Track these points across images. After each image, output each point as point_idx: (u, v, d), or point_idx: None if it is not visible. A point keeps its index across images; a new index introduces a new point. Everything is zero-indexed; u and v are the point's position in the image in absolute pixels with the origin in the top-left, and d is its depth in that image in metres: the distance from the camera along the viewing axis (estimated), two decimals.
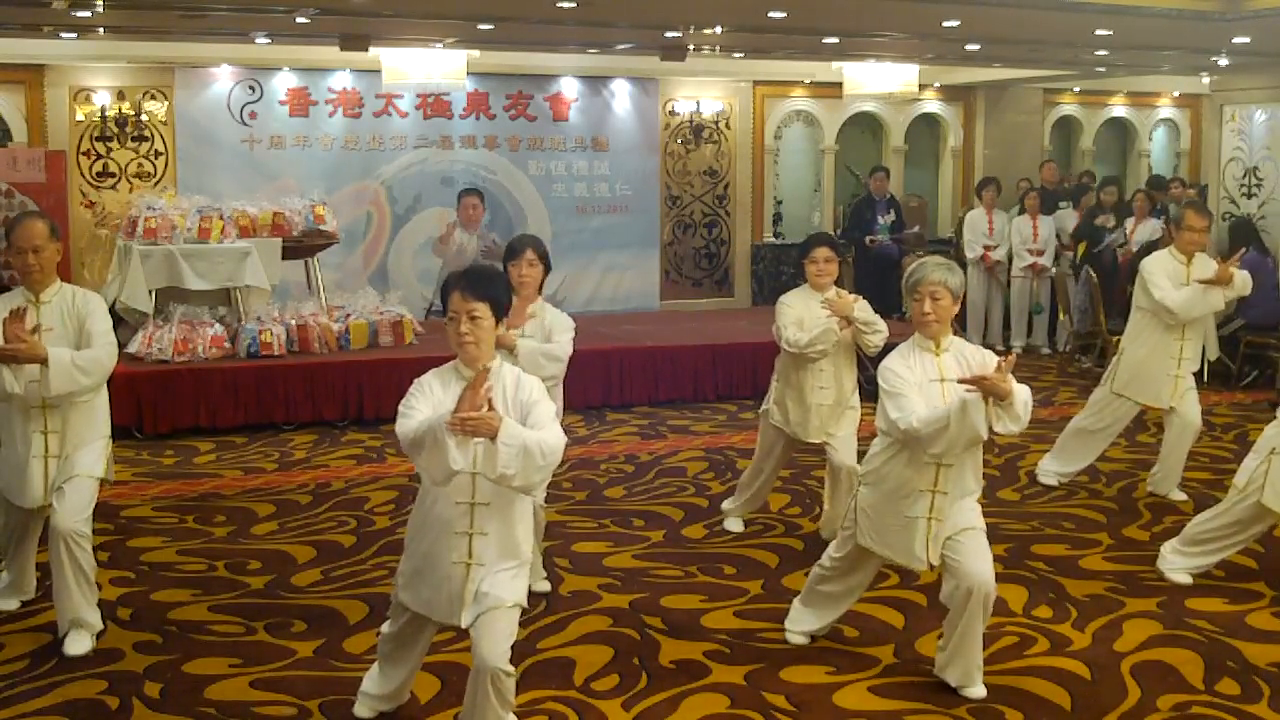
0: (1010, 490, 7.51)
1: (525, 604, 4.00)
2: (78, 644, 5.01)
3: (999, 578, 5.84)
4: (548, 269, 5.65)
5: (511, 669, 3.86)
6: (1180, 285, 6.95)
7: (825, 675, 4.82)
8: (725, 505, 6.89)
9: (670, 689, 4.70)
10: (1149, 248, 12.05)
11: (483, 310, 3.87)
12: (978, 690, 4.62)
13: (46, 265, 5.09)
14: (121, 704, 4.58)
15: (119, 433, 8.71)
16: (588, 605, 5.58)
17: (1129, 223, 12.80)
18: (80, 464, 5.12)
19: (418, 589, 4.06)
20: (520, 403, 3.90)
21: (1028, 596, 5.68)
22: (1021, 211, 12.85)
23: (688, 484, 7.70)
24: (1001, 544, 6.41)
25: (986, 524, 6.64)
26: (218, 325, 9.41)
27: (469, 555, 3.92)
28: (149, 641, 5.17)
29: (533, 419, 3.86)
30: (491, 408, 3.70)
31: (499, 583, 3.91)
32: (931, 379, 4.56)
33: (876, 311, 6.26)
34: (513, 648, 3.88)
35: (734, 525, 6.73)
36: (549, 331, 5.50)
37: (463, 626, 3.94)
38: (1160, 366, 7.05)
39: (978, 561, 4.54)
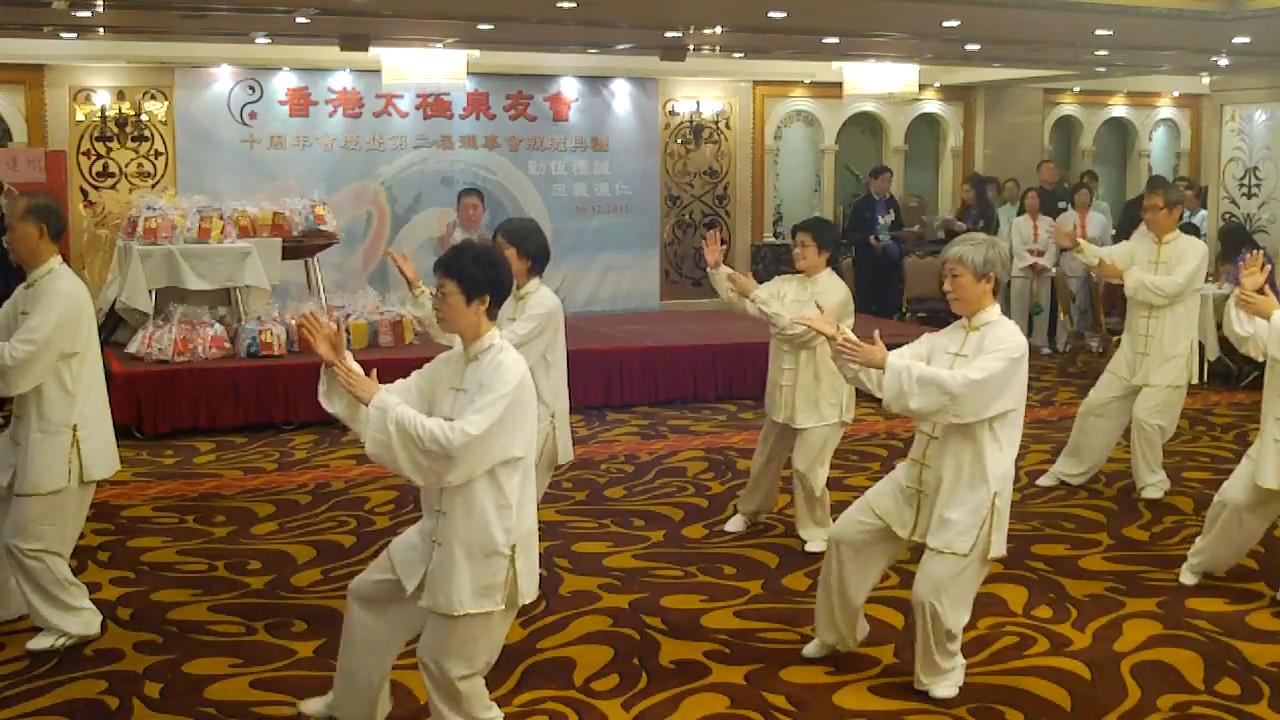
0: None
1: (483, 609, 3.79)
2: (37, 640, 5.02)
3: (999, 578, 5.90)
4: (527, 254, 5.54)
5: (449, 671, 3.81)
6: (1149, 264, 7.08)
7: (825, 675, 4.82)
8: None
9: (670, 689, 4.70)
10: None
11: (449, 287, 3.82)
12: (940, 692, 4.61)
13: (20, 246, 4.93)
14: (121, 704, 4.58)
15: (119, 433, 8.74)
16: (588, 605, 5.58)
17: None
18: (22, 473, 4.90)
19: (405, 551, 3.99)
20: (478, 383, 3.81)
21: (1028, 596, 5.68)
22: (1021, 212, 12.85)
23: (688, 484, 7.70)
24: None
25: None
26: (218, 325, 9.41)
27: (435, 533, 3.86)
28: (149, 641, 5.16)
29: (473, 402, 3.77)
30: (338, 362, 3.71)
31: (456, 584, 3.77)
32: (949, 351, 4.56)
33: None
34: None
35: (734, 525, 6.73)
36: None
37: (409, 592, 3.90)
38: (1131, 344, 7.20)
39: (921, 581, 4.55)
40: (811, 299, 6.14)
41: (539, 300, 5.55)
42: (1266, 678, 4.81)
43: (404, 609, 4.02)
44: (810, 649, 4.98)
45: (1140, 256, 7.15)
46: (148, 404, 8.85)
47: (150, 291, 9.41)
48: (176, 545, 6.46)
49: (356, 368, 3.76)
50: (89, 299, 5.10)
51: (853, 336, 4.48)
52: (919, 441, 4.66)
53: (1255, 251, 5.42)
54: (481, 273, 3.85)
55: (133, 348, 9.25)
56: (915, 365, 4.42)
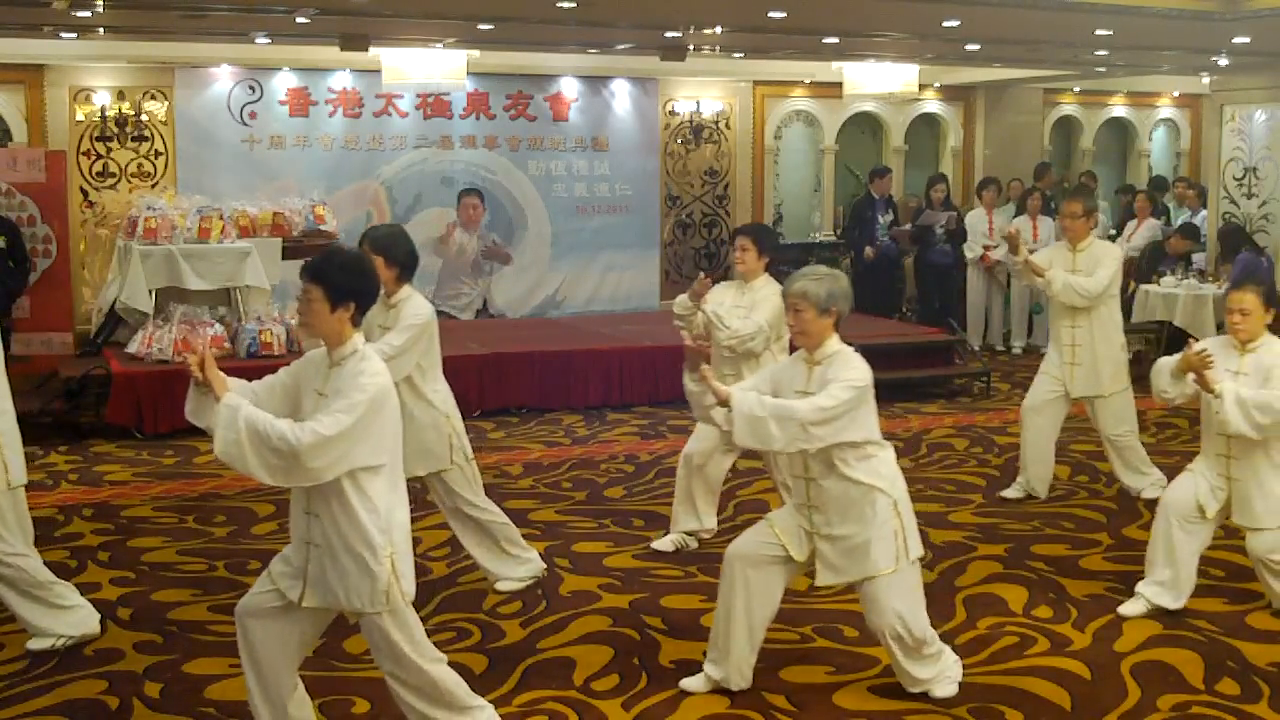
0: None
1: (391, 604, 3.84)
2: (36, 640, 5.03)
3: (999, 578, 5.91)
4: (395, 261, 5.34)
5: (412, 662, 3.90)
6: (1068, 271, 7.07)
7: (825, 675, 4.82)
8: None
9: (670, 689, 4.70)
10: (1150, 249, 12.09)
11: (315, 293, 3.84)
12: (940, 691, 4.61)
13: None
14: (121, 704, 4.59)
15: (118, 433, 8.77)
16: (588, 605, 5.58)
17: (1130, 224, 12.84)
18: None
19: (281, 564, 4.01)
20: (337, 389, 3.81)
21: (1028, 596, 5.68)
22: (1020, 212, 12.86)
23: None
24: (1001, 544, 6.42)
25: (987, 524, 6.64)
26: (218, 325, 9.40)
27: (308, 534, 3.91)
28: (149, 641, 5.17)
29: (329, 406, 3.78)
30: (202, 369, 3.72)
31: (348, 581, 3.84)
32: (796, 389, 4.51)
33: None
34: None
35: (662, 544, 6.41)
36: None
37: (298, 604, 3.90)
38: (1059, 354, 7.20)
39: (869, 612, 4.54)
40: (750, 306, 6.16)
41: (414, 310, 5.39)
42: (1266, 678, 4.81)
43: (292, 622, 3.99)
44: (693, 683, 4.69)
45: (1057, 264, 7.16)
46: (148, 404, 8.85)
47: (150, 291, 9.40)
48: (176, 545, 6.47)
49: (221, 375, 3.80)
50: None
51: (711, 376, 4.43)
52: (798, 487, 4.60)
53: (1206, 354, 5.20)
54: (348, 280, 3.87)
55: (133, 348, 9.25)
56: (766, 400, 4.36)
